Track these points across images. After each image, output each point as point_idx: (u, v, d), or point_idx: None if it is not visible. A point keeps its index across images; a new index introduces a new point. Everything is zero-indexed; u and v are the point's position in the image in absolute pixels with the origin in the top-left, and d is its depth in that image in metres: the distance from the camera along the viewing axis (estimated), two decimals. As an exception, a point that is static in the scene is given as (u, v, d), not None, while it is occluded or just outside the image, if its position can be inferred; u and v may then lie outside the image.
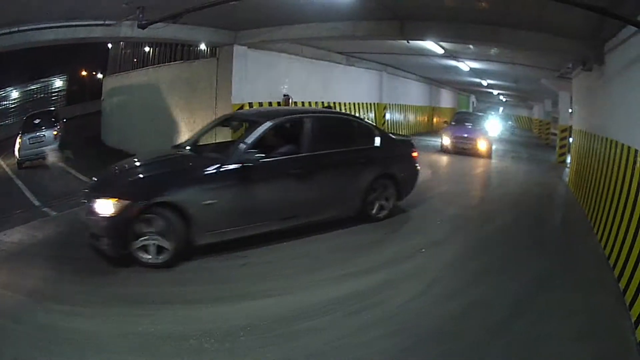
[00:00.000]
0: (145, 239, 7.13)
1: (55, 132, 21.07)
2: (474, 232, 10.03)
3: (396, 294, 6.60)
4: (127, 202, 7.06)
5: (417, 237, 9.37)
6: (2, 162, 22.90)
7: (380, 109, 26.52)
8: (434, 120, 37.42)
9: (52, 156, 20.07)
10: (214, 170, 7.83)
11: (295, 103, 17.33)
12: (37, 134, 20.66)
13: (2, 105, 37.83)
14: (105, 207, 7.07)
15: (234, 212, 7.94)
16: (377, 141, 10.37)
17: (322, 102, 19.59)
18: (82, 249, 7.82)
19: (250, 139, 8.30)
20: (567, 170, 18.09)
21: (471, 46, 15.23)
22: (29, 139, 20.36)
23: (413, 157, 11.04)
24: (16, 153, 20.12)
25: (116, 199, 7.06)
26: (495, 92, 40.41)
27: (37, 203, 12.84)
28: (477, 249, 8.89)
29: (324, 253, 8.22)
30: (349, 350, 5.19)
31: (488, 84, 31.70)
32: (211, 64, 15.96)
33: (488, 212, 12.10)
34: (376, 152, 10.31)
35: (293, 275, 7.22)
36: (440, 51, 16.61)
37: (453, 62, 20.55)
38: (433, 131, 30.39)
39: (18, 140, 20.34)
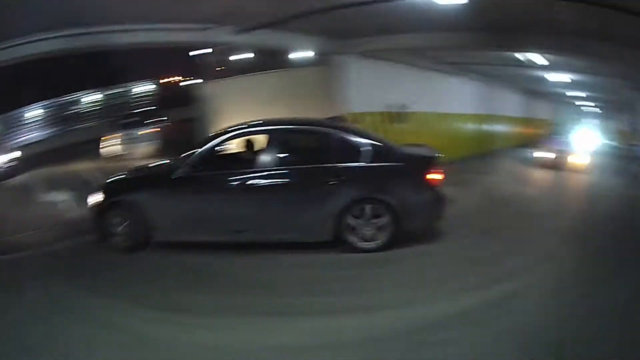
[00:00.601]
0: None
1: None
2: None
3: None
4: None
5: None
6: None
7: (483, 120, 26.38)
8: (532, 132, 36.24)
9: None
10: (163, 180, 9.06)
11: (405, 114, 17.33)
12: None
13: (76, 109, 37.62)
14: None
15: (182, 218, 8.85)
16: (363, 158, 8.65)
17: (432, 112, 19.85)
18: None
19: (196, 153, 9.01)
20: None
21: (573, 59, 14.86)
22: None
23: (427, 179, 8.66)
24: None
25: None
26: (586, 104, 39.65)
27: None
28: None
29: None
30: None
31: (577, 95, 31.35)
32: (319, 73, 15.95)
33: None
34: (357, 171, 8.70)
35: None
36: (544, 62, 16.29)
37: (552, 74, 20.26)
38: (531, 143, 28.08)
39: None
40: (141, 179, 9.82)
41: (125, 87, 39.41)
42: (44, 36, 11.23)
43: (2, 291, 7.36)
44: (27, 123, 35.09)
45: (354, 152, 8.71)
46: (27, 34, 11.12)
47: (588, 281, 7.00)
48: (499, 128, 29.94)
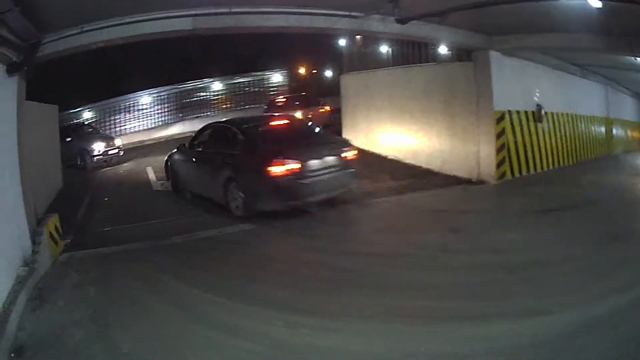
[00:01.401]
0: None
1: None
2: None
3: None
4: None
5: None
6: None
7: (609, 123, 26.18)
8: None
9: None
10: (180, 150, 15.81)
11: (545, 113, 17.54)
12: None
13: (199, 97, 38.99)
14: None
15: (184, 174, 15.36)
16: (238, 148, 12.54)
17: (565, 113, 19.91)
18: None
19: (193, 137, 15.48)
20: None
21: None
22: None
23: (265, 169, 11.11)
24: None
25: None
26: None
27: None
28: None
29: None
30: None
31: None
32: (468, 68, 15.97)
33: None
34: (232, 156, 12.51)
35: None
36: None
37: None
38: (644, 150, 28.00)
39: None
40: (176, 150, 15.95)
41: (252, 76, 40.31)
42: (172, 13, 10.91)
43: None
44: (138, 109, 36.82)
45: (235, 142, 12.69)
46: (154, 10, 10.75)
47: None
48: (621, 131, 29.56)
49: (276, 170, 11.06)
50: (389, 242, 10.07)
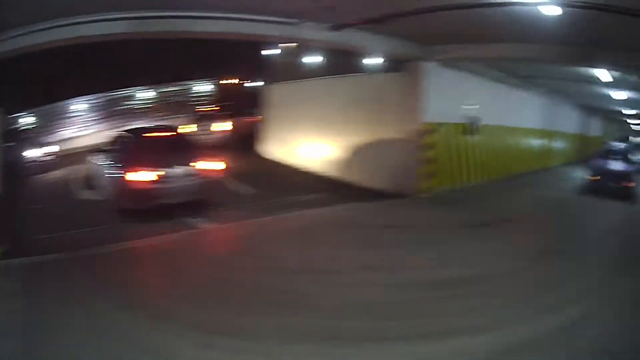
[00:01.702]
0: None
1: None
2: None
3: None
4: None
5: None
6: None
7: (547, 135, 26.71)
8: (585, 149, 36.23)
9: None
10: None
11: (478, 126, 17.60)
12: None
13: (128, 105, 37.29)
14: None
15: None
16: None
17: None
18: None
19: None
20: None
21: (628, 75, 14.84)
22: None
23: (125, 175, 12.41)
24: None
25: None
26: (632, 121, 39.19)
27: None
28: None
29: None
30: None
31: (629, 113, 30.48)
32: (398, 79, 15.77)
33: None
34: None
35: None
36: (609, 79, 16.27)
37: (609, 91, 20.07)
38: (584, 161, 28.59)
39: None
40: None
41: (180, 85, 39.73)
42: (110, 16, 10.68)
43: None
44: (73, 116, 34.84)
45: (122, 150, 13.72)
46: (89, 12, 10.58)
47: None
48: (560, 144, 30.25)
49: (134, 176, 12.29)
50: (306, 258, 9.67)
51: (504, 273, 9.14)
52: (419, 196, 15.21)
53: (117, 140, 14.66)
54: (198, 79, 40.14)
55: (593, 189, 19.39)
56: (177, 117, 35.29)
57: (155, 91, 38.43)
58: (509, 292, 8.15)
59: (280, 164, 20.90)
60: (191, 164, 13.21)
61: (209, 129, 27.44)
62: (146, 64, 34.55)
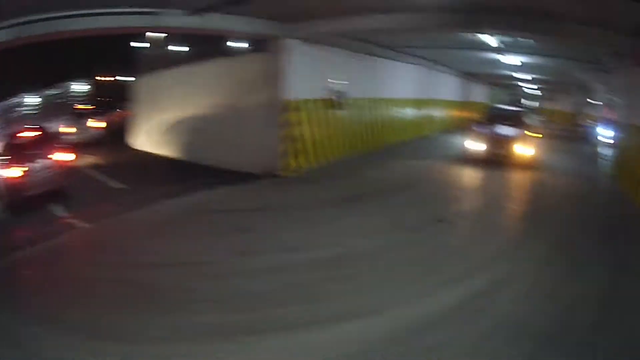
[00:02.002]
0: None
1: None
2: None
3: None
4: None
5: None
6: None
7: (422, 104, 26.23)
8: (468, 116, 36.19)
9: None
10: None
11: (345, 99, 17.02)
12: None
13: (19, 111, 37.05)
14: None
15: None
16: None
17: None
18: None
19: None
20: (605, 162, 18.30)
21: (522, 39, 14.61)
22: None
23: None
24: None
25: None
26: (525, 85, 39.70)
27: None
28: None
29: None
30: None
31: (523, 77, 31.14)
32: (261, 59, 15.23)
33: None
34: None
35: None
36: (495, 44, 16.07)
37: (499, 56, 19.78)
38: (466, 128, 28.78)
39: None
40: None
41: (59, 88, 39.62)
42: None
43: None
44: None
45: None
46: None
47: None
48: (438, 112, 30.17)
49: (6, 173, 13.17)
50: (181, 250, 8.85)
51: (385, 247, 8.91)
52: (288, 175, 14.87)
53: (2, 144, 15.14)
54: (78, 79, 40.34)
55: (476, 156, 18.12)
56: (61, 118, 33.73)
57: (40, 96, 38.29)
58: (393, 268, 7.92)
59: (152, 155, 20.51)
60: (50, 157, 14.31)
61: (85, 127, 26.86)
62: (30, 70, 33.79)
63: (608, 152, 18.04)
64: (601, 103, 23.03)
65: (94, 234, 10.31)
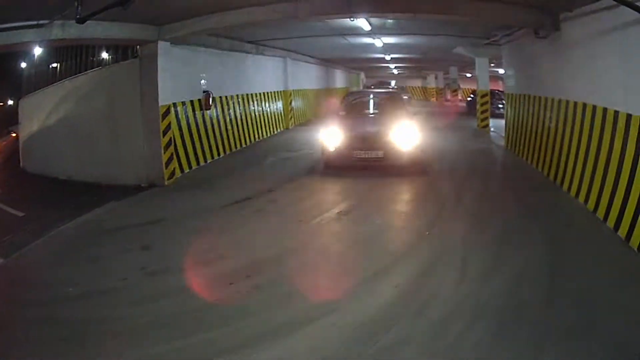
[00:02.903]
0: None
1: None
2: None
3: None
4: None
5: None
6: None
7: (287, 97, 26.62)
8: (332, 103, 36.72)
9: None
10: None
11: (214, 99, 17.12)
12: None
13: None
14: None
15: None
16: None
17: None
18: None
19: None
20: (493, 134, 19.21)
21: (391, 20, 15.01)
22: None
23: None
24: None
25: None
26: (392, 65, 40.06)
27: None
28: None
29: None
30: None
31: (391, 58, 31.52)
32: (133, 66, 14.85)
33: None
34: None
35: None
36: (368, 28, 16.28)
37: (369, 40, 20.26)
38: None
39: None
40: None
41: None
42: None
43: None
44: None
45: None
46: None
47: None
48: (305, 102, 30.66)
49: None
50: (90, 276, 8.16)
51: (297, 249, 8.67)
52: (169, 183, 14.52)
53: None
54: None
55: (333, 161, 14.42)
56: None
57: None
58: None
59: (44, 177, 19.32)
60: None
61: None
62: None
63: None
64: (481, 76, 23.51)
65: (7, 270, 9.34)
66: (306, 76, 29.99)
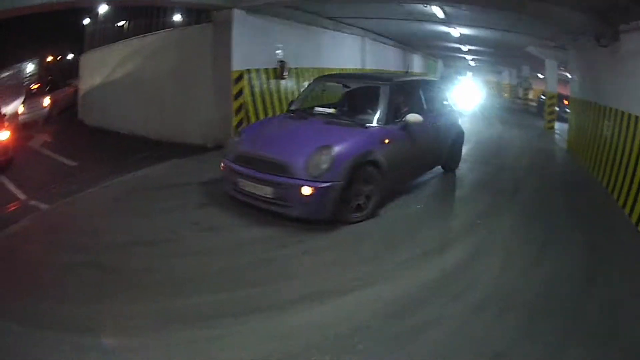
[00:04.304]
0: None
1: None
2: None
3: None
4: None
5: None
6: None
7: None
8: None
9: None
10: None
11: (288, 69, 16.96)
12: None
13: None
14: None
15: None
16: None
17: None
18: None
19: None
20: (557, 136, 18.69)
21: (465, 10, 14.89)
22: None
23: None
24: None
25: None
26: (469, 57, 39.65)
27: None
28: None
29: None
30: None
31: (468, 49, 31.13)
32: (206, 30, 15.12)
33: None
34: None
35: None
36: (442, 16, 16.08)
37: (445, 28, 19.95)
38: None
39: None
40: None
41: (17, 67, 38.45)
42: None
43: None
44: None
45: None
46: None
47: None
48: None
49: None
50: (142, 227, 8.19)
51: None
52: None
53: None
54: (29, 59, 39.26)
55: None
56: (14, 99, 33.17)
57: None
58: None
59: (102, 130, 20.17)
60: None
61: (35, 106, 26.33)
62: None
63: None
64: (549, 78, 23.26)
65: (54, 216, 9.53)
66: (383, 57, 29.27)
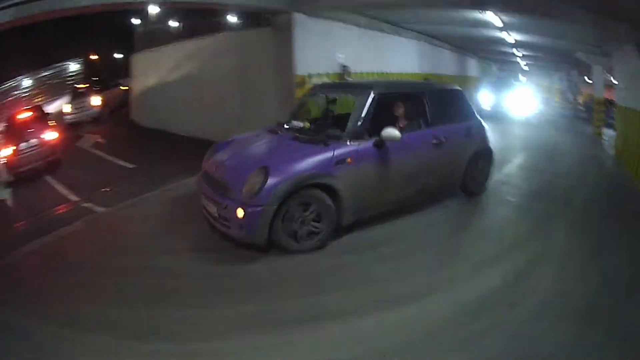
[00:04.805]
0: None
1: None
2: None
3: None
4: None
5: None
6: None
7: (423, 78, 25.08)
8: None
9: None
10: None
11: (349, 73, 16.65)
12: None
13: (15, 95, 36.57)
14: None
15: None
16: None
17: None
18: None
19: None
20: (605, 142, 18.38)
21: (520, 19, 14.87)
22: None
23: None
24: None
25: None
26: (522, 62, 39.42)
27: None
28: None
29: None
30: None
31: (522, 54, 31.12)
32: (265, 34, 15.28)
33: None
34: None
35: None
36: (500, 25, 16.12)
37: (499, 34, 19.72)
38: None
39: None
40: None
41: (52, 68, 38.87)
42: None
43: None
44: None
45: None
46: None
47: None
48: None
49: (2, 153, 15.65)
50: (201, 235, 8.02)
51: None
52: None
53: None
54: (71, 58, 39.93)
55: None
56: (56, 98, 34.92)
57: (33, 78, 37.42)
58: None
59: (157, 131, 20.82)
60: (41, 136, 16.57)
61: (83, 106, 26.75)
62: (22, 52, 35.04)
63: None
64: (597, 83, 23.08)
65: (110, 219, 9.75)
66: (440, 61, 29.18)
